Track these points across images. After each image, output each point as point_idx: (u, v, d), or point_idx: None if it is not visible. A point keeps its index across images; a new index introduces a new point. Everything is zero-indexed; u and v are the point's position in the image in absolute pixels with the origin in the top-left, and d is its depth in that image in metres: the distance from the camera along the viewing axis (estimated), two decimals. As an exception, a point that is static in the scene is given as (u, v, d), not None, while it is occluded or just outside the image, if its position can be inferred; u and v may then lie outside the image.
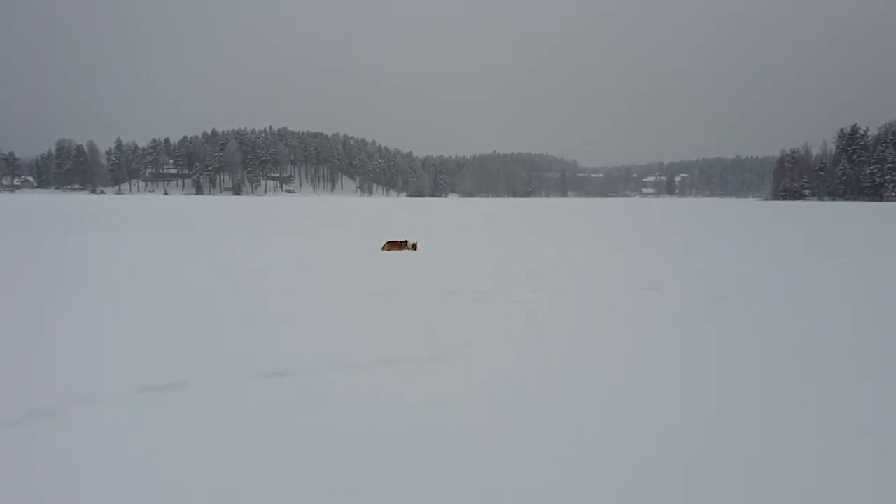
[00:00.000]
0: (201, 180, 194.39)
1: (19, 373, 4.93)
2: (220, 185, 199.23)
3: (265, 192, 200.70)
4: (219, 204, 68.26)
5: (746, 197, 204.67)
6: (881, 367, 5.28)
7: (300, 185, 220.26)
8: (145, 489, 3.07)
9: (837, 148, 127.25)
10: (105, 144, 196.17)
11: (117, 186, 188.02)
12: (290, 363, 5.11)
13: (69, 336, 6.15)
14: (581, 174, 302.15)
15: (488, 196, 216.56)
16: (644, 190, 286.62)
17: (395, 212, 49.50)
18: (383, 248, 15.36)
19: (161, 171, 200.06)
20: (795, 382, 4.77)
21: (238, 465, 3.33)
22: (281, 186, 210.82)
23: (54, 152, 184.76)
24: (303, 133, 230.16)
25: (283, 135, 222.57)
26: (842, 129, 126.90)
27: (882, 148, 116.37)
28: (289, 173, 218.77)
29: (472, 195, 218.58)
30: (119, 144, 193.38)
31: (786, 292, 9.04)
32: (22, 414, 3.98)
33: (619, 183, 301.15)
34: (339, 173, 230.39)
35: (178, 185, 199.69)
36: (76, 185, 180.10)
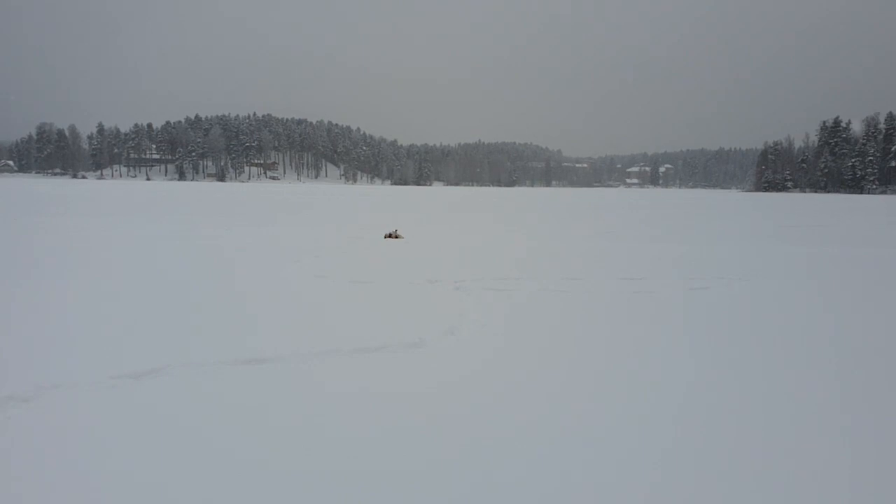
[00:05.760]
0: (184, 166, 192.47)
1: (-6, 359, 4.86)
2: (203, 171, 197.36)
3: (249, 178, 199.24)
4: (201, 190, 67.73)
5: (729, 188, 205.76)
6: (858, 353, 5.33)
7: (284, 172, 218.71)
8: (120, 478, 3.04)
9: (820, 140, 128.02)
10: (87, 129, 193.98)
11: (99, 171, 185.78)
12: (270, 350, 5.08)
13: (44, 322, 6.08)
14: (566, 164, 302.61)
15: (472, 185, 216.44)
16: (628, 180, 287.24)
17: (380, 200, 49.37)
18: (386, 237, 15.63)
19: (143, 156, 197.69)
20: (774, 371, 4.81)
21: (214, 454, 3.30)
22: (265, 173, 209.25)
23: (35, 136, 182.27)
24: (287, 120, 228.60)
25: (267, 121, 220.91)
26: (824, 122, 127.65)
27: (864, 141, 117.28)
28: (273, 160, 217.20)
29: (456, 184, 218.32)
30: (101, 129, 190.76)
31: (766, 281, 9.11)
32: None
33: (603, 173, 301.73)
34: (324, 160, 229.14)
35: (160, 170, 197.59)
36: (57, 170, 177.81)
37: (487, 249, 13.24)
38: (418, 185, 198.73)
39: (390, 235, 15.70)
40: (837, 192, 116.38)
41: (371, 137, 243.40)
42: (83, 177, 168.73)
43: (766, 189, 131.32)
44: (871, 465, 3.30)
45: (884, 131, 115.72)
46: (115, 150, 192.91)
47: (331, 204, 39.80)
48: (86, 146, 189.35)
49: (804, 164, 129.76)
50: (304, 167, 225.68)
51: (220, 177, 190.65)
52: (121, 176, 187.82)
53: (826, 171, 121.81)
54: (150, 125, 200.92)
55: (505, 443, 3.47)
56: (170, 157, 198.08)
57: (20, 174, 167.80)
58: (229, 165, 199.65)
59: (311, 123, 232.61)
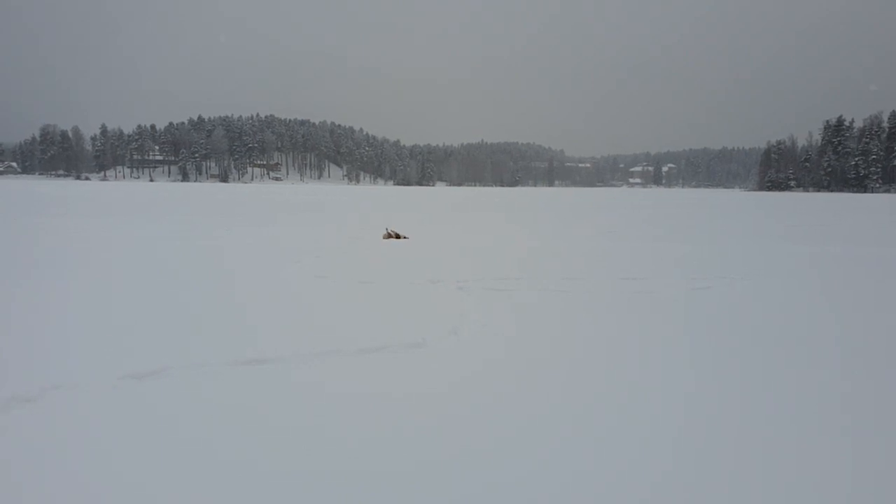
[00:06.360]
0: (187, 167, 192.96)
1: (-3, 360, 4.87)
2: (206, 172, 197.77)
3: (252, 179, 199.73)
4: (203, 191, 67.81)
5: (732, 188, 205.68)
6: (862, 353, 5.33)
7: (287, 173, 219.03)
8: (122, 479, 3.05)
9: (823, 139, 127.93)
10: (90, 130, 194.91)
11: (102, 173, 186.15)
12: (271, 351, 5.08)
13: (46, 322, 6.09)
14: (569, 164, 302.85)
15: (475, 185, 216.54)
16: (631, 180, 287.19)
17: (383, 200, 49.38)
18: (384, 237, 15.48)
19: (147, 157, 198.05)
20: (777, 371, 4.80)
21: (216, 454, 3.31)
22: (268, 174, 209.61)
23: (38, 138, 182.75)
24: (290, 120, 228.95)
25: (270, 122, 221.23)
26: (827, 121, 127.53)
27: (867, 140, 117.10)
28: (275, 161, 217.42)
29: (459, 184, 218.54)
30: (104, 130, 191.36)
31: (769, 280, 9.10)
32: (2, 402, 3.94)
33: (606, 173, 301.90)
34: (327, 161, 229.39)
35: (163, 171, 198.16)
36: (61, 171, 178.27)
37: (489, 249, 13.24)
38: (421, 185, 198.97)
39: (390, 235, 15.56)
40: (841, 191, 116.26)
41: (374, 138, 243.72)
42: (86, 178, 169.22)
43: (769, 188, 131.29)
44: (874, 466, 3.29)
45: (887, 130, 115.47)
46: (119, 152, 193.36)
47: (332, 204, 39.81)
48: (89, 147, 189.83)
49: (807, 164, 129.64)
50: (307, 168, 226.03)
51: (223, 178, 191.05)
52: (124, 177, 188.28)
53: (829, 170, 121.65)
54: (153, 126, 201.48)
55: (506, 443, 3.47)
56: (173, 158, 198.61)
57: (24, 176, 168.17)
58: (232, 166, 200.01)
59: (313, 124, 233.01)
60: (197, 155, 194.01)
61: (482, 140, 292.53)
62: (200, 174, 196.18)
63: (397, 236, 15.56)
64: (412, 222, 22.26)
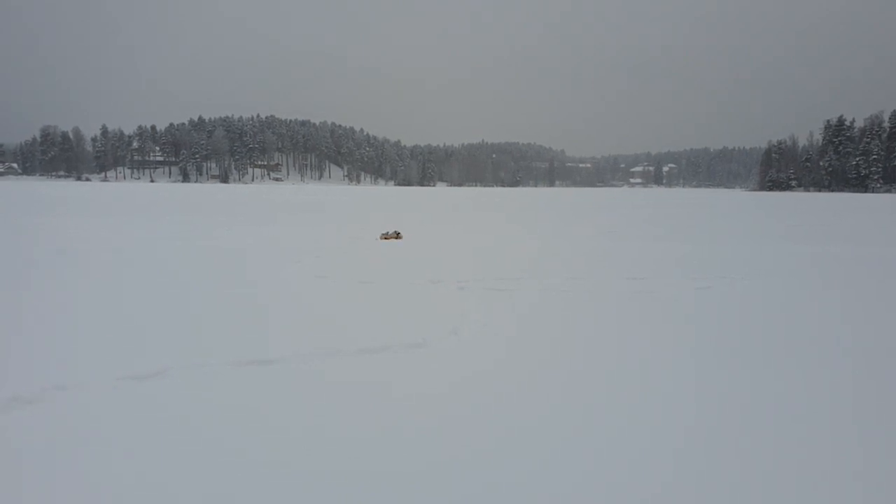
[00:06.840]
0: (188, 168, 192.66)
1: (-2, 360, 4.87)
2: (206, 173, 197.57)
3: (252, 179, 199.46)
4: (204, 191, 67.77)
5: (733, 187, 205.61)
6: (865, 352, 5.32)
7: (287, 174, 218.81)
8: (123, 479, 3.05)
9: (824, 139, 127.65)
10: (90, 131, 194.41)
11: (103, 174, 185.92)
12: (272, 351, 5.09)
13: (47, 323, 6.09)
14: (569, 164, 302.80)
15: (476, 185, 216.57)
16: (632, 180, 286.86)
17: (383, 200, 49.37)
18: (381, 238, 15.47)
19: (147, 158, 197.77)
20: (780, 370, 4.80)
21: (217, 454, 3.31)
22: (268, 174, 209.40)
23: (39, 139, 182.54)
24: (290, 121, 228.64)
25: (270, 122, 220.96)
26: (828, 121, 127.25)
27: (868, 140, 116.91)
28: (276, 161, 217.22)
29: (459, 184, 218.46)
30: (104, 131, 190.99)
31: (770, 280, 9.09)
32: (3, 402, 3.94)
33: (606, 173, 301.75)
34: (327, 161, 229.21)
35: (164, 172, 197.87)
36: (61, 173, 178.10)
37: (490, 249, 13.24)
38: (422, 185, 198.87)
39: (387, 236, 15.54)
40: (842, 191, 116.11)
41: (374, 138, 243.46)
42: (87, 179, 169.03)
43: (770, 188, 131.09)
44: (880, 466, 3.29)
45: (888, 130, 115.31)
46: (119, 153, 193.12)
47: (333, 204, 39.81)
48: (90, 148, 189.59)
49: (808, 163, 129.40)
50: (308, 168, 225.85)
51: (224, 178, 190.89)
52: (125, 178, 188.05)
53: (830, 169, 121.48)
54: (153, 127, 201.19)
55: (506, 443, 3.47)
56: (174, 158, 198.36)
57: (24, 177, 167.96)
58: (233, 167, 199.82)
59: (314, 125, 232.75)
60: (197, 156, 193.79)
61: (483, 140, 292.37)
62: (201, 175, 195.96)
63: (397, 235, 15.57)
64: (413, 222, 22.26)
